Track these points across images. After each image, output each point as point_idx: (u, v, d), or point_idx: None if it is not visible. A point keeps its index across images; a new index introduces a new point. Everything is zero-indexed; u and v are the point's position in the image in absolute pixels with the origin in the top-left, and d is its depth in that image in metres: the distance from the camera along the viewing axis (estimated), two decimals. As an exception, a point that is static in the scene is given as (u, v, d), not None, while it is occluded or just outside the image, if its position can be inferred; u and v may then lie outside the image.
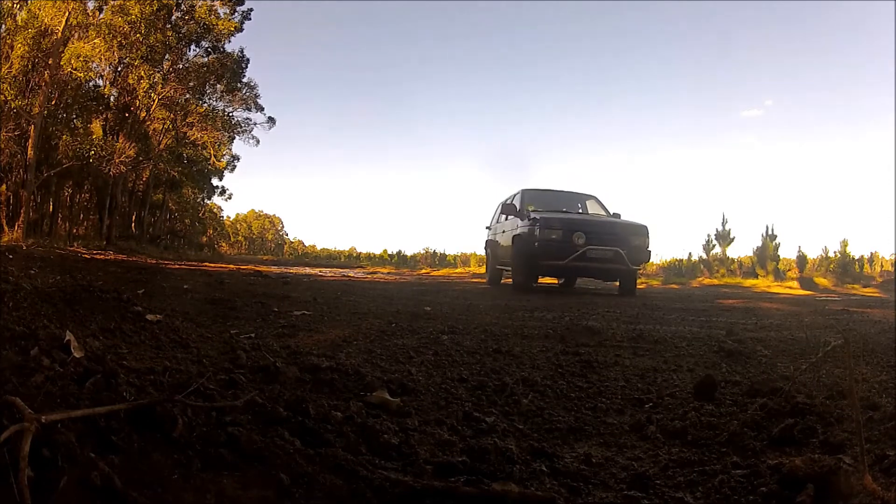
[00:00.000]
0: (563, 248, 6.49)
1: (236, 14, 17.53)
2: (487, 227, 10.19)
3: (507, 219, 8.38)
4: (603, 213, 8.14)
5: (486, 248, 10.05)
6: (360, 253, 42.88)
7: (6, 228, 13.41)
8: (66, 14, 13.52)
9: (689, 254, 16.86)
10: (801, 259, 14.86)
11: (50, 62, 13.80)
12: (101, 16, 14.89)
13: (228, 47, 18.26)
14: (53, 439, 0.82)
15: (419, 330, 2.76)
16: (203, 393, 1.24)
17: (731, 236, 14.44)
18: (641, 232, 6.90)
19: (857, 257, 14.98)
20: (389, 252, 34.01)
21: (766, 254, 13.48)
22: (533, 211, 7.37)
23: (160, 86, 16.53)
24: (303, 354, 1.94)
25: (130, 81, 16.01)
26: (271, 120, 20.92)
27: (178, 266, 9.26)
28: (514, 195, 8.60)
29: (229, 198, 26.22)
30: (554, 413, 1.38)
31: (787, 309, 4.83)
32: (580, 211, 8.30)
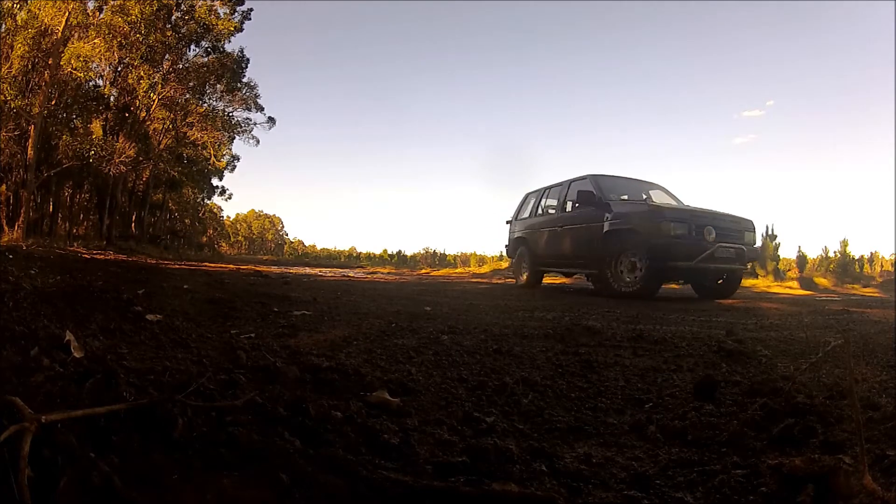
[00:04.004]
0: (694, 246, 5.39)
1: (236, 14, 17.57)
2: (509, 222, 8.86)
3: (566, 209, 7.15)
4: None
5: (515, 245, 8.47)
6: (360, 253, 42.95)
7: (6, 228, 13.42)
8: (66, 14, 13.53)
9: (689, 254, 16.79)
10: (801, 259, 14.86)
11: (50, 62, 13.81)
12: (101, 16, 14.90)
13: (228, 47, 18.31)
14: (53, 439, 0.82)
15: (419, 330, 2.76)
16: (203, 393, 1.24)
17: (732, 236, 14.40)
18: (751, 227, 6.07)
19: (857, 257, 14.99)
20: (389, 252, 34.03)
21: (766, 254, 13.47)
22: (643, 202, 6.25)
23: (160, 86, 16.56)
24: (303, 354, 1.94)
25: (130, 81, 16.02)
26: (271, 120, 20.98)
27: (178, 266, 9.26)
28: (574, 182, 7.16)
29: (229, 198, 26.26)
30: (554, 413, 1.38)
31: (787, 309, 4.83)
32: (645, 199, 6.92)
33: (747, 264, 6.09)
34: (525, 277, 8.03)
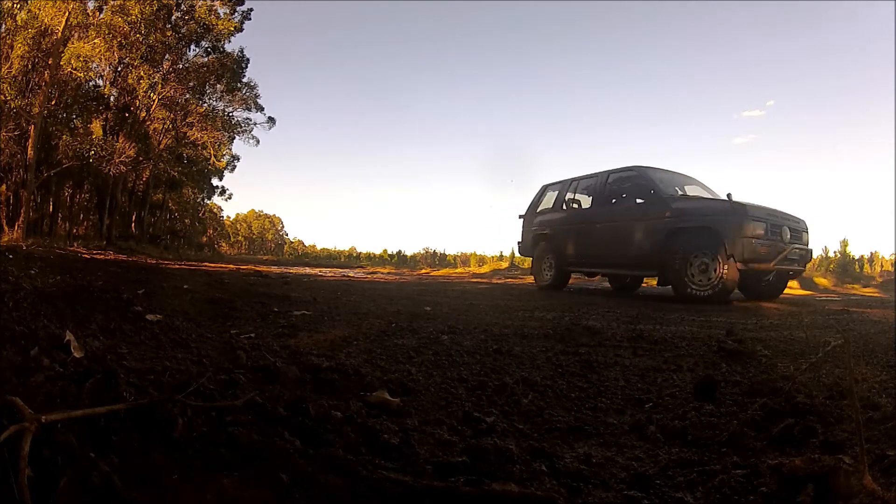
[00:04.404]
0: (773, 246, 5.11)
1: (236, 14, 17.56)
2: (522, 216, 8.09)
3: (607, 203, 6.64)
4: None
5: (534, 243, 7.68)
6: (360, 253, 43.00)
7: (6, 228, 13.42)
8: (66, 14, 13.53)
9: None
10: (801, 259, 14.84)
11: (50, 62, 13.81)
12: (101, 16, 14.90)
13: (228, 47, 18.31)
14: (53, 439, 0.82)
15: (419, 330, 2.76)
16: (203, 393, 1.24)
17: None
18: (807, 228, 5.77)
19: (857, 257, 15.00)
20: (389, 252, 34.06)
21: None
22: (724, 199, 5.46)
23: (160, 86, 16.56)
24: (303, 354, 1.94)
25: (130, 81, 16.02)
26: (271, 120, 20.98)
27: (178, 266, 9.26)
28: (614, 173, 6.62)
29: (229, 198, 26.26)
30: (554, 413, 1.38)
31: (787, 309, 4.82)
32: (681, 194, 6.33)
33: (805, 266, 5.91)
34: (549, 278, 7.32)
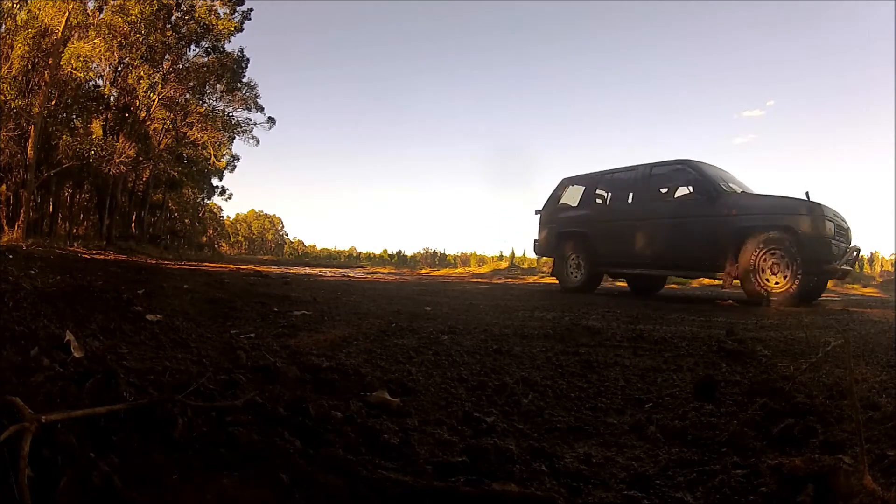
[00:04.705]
0: (840, 247, 4.98)
1: (236, 14, 17.59)
2: (538, 212, 7.61)
3: (651, 198, 6.27)
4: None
5: (558, 241, 7.17)
6: (360, 253, 43.03)
7: (6, 228, 13.43)
8: (66, 14, 13.54)
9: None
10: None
11: (50, 62, 13.82)
12: (101, 16, 14.92)
13: (228, 47, 18.34)
14: (53, 439, 0.82)
15: (419, 330, 2.76)
16: (203, 393, 1.24)
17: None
18: (849, 226, 5.62)
19: (857, 257, 14.98)
20: (389, 252, 34.08)
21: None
22: (797, 197, 5.10)
23: (160, 86, 16.58)
24: (303, 354, 1.94)
25: (130, 81, 16.04)
26: (271, 120, 21.02)
27: (178, 266, 9.26)
28: (657, 167, 6.26)
29: (229, 198, 26.31)
30: (554, 413, 1.38)
31: (787, 309, 4.82)
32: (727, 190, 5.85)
33: (854, 265, 5.76)
34: (578, 279, 6.89)
